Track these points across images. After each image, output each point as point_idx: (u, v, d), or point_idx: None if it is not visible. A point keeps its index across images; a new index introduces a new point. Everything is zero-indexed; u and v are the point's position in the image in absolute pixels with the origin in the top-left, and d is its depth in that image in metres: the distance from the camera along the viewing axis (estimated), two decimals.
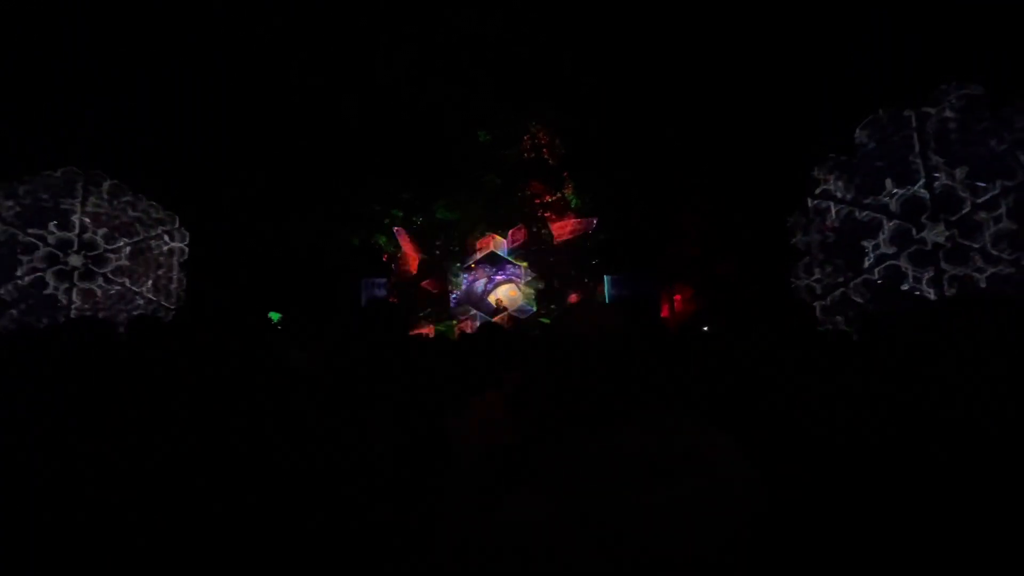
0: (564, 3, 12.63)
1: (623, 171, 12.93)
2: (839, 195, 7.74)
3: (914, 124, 7.20)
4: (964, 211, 6.74)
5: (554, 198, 13.26)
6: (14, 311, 8.49)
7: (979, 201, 6.68)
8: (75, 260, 8.93)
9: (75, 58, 11.26)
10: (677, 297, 14.03)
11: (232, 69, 12.33)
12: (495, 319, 11.97)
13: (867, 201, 7.46)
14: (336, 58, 12.55)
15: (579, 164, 13.17)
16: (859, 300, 7.40)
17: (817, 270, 7.91)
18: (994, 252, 6.42)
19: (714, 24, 12.29)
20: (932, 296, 6.81)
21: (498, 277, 12.80)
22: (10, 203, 8.66)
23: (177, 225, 9.91)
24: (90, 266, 9.01)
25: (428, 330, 11.88)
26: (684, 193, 13.40)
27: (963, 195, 6.76)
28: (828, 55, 11.09)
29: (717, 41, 12.26)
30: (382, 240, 13.68)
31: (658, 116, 12.73)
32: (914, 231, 7.02)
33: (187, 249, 9.98)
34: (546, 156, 13.35)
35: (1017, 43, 8.63)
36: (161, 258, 9.78)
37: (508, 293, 12.66)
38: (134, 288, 9.34)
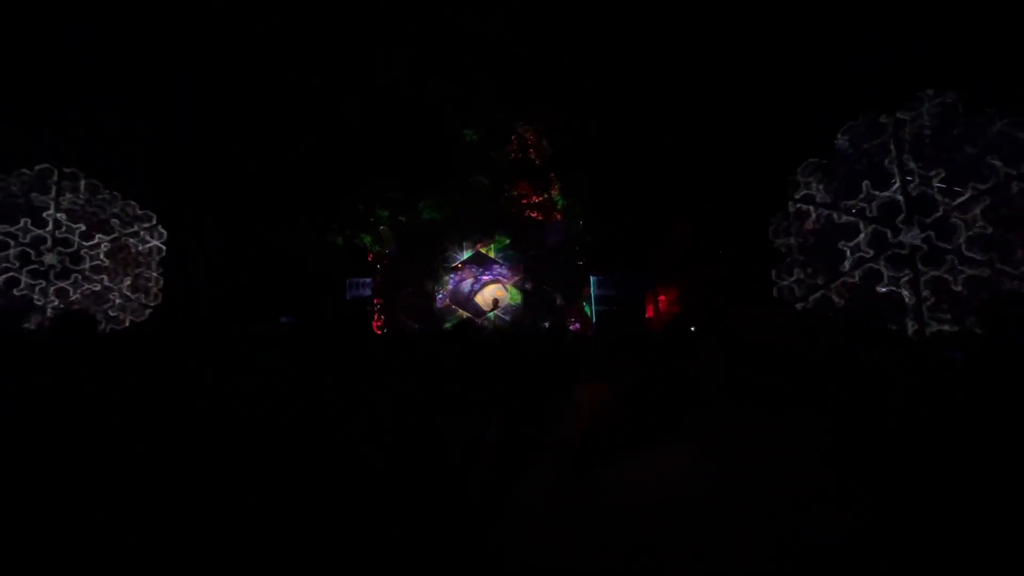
0: (564, 3, 12.68)
1: (611, 172, 13.02)
2: (819, 199, 7.93)
3: (891, 130, 7.41)
4: (939, 214, 6.96)
5: (541, 199, 13.32)
6: None
7: (954, 205, 6.90)
8: (50, 259, 8.69)
9: (63, 55, 10.95)
10: (662, 298, 14.18)
11: (224, 67, 12.12)
12: (482, 320, 11.97)
13: (848, 203, 7.64)
14: (335, 58, 12.43)
15: (567, 165, 13.24)
16: (838, 301, 7.58)
17: (798, 271, 8.08)
18: (968, 255, 6.62)
19: (707, 28, 12.45)
20: (908, 297, 7.01)
21: (484, 277, 12.81)
22: None
23: (155, 223, 9.72)
24: (67, 264, 8.78)
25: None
26: (671, 195, 13.54)
27: (938, 199, 6.97)
28: (816, 60, 11.32)
29: (710, 45, 12.42)
30: (367, 240, 13.58)
31: (651, 118, 12.85)
32: (891, 234, 7.21)
33: (164, 248, 9.80)
34: (533, 156, 13.40)
35: (994, 51, 8.91)
36: (140, 257, 9.58)
37: (495, 294, 12.67)
38: (111, 286, 9.13)
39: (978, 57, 8.69)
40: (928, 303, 6.75)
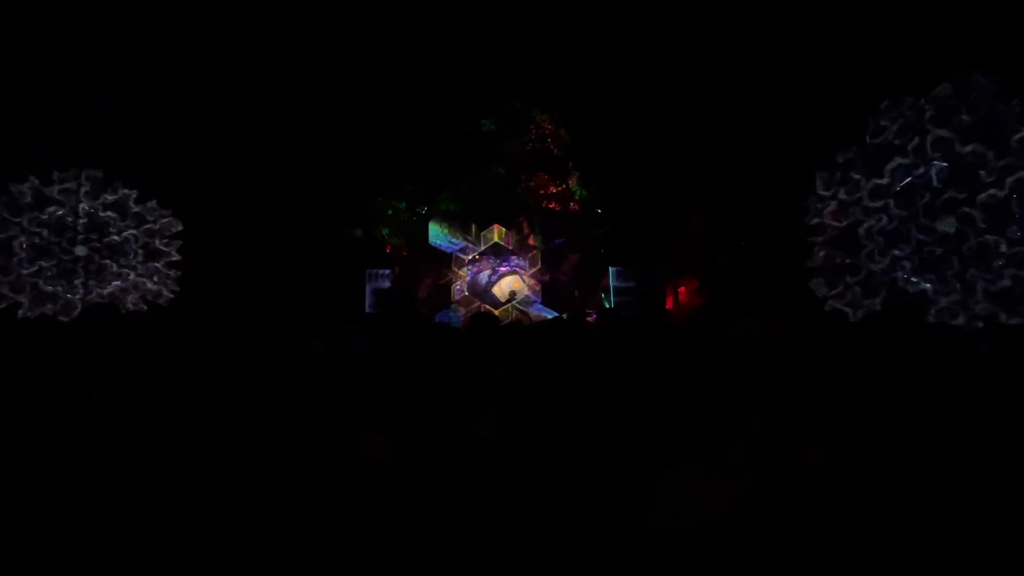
0: (564, 3, 12.55)
1: (627, 163, 12.87)
2: (848, 188, 7.64)
3: (921, 114, 7.08)
4: (972, 203, 6.64)
5: (559, 189, 13.19)
6: (24, 301, 8.54)
7: (989, 192, 6.58)
8: (80, 251, 8.95)
9: (76, 58, 11.20)
10: (682, 289, 13.98)
11: (232, 68, 12.27)
12: (499, 311, 11.94)
13: (878, 190, 7.35)
14: (336, 58, 12.49)
15: (584, 155, 13.12)
16: (867, 299, 7.32)
17: (825, 259, 7.83)
18: (1017, 234, 6.30)
19: (713, 22, 12.18)
20: (932, 291, 6.74)
21: (502, 268, 12.75)
22: (13, 200, 8.70)
23: (177, 219, 9.90)
24: (95, 259, 9.02)
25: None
26: (689, 185, 13.31)
27: (976, 184, 6.66)
28: (830, 50, 10.99)
29: (717, 38, 12.15)
30: (385, 232, 13.65)
31: (661, 111, 12.65)
32: (915, 229, 6.91)
33: (181, 243, 10.00)
34: (550, 146, 13.27)
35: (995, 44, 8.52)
36: (162, 250, 9.77)
37: (512, 285, 12.61)
38: (137, 277, 9.36)
39: (981, 50, 8.29)
40: (976, 299, 6.43)
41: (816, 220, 8.02)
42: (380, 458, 1.60)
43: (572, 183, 13.27)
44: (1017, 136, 6.47)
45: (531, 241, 12.50)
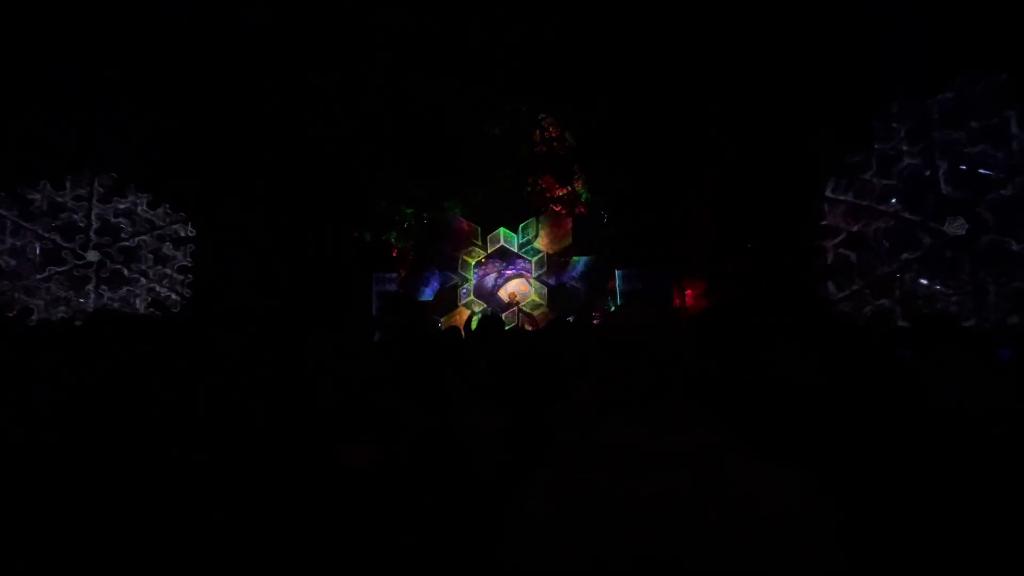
0: (568, 3, 12.54)
1: (633, 164, 12.83)
2: (857, 191, 7.58)
3: (930, 116, 7.02)
4: (984, 204, 6.57)
5: (565, 192, 13.20)
6: (36, 305, 8.65)
7: (1000, 193, 6.50)
8: (92, 255, 9.07)
9: (83, 60, 11.33)
10: (688, 292, 13.90)
11: (237, 73, 12.37)
12: (505, 314, 11.95)
13: (884, 191, 7.30)
14: (341, 63, 12.58)
15: (590, 156, 13.10)
16: (877, 303, 7.25)
17: (835, 261, 7.76)
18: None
19: (721, 17, 12.11)
20: (943, 295, 6.67)
21: (508, 272, 12.78)
22: (24, 205, 8.83)
23: (185, 223, 10.00)
24: (107, 264, 9.13)
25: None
26: (696, 186, 13.24)
27: (985, 184, 6.59)
28: (839, 46, 10.89)
29: (724, 34, 12.07)
30: (392, 236, 13.70)
31: (667, 113, 12.61)
32: (922, 233, 6.83)
33: (193, 247, 10.09)
34: (556, 148, 13.29)
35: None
36: (169, 254, 9.87)
37: (519, 288, 12.63)
38: (146, 283, 9.46)
39: (987, 51, 8.17)
40: (990, 299, 6.35)
41: (825, 222, 7.96)
42: (358, 464, 1.59)
43: (578, 186, 13.27)
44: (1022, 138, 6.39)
45: (539, 244, 12.54)
